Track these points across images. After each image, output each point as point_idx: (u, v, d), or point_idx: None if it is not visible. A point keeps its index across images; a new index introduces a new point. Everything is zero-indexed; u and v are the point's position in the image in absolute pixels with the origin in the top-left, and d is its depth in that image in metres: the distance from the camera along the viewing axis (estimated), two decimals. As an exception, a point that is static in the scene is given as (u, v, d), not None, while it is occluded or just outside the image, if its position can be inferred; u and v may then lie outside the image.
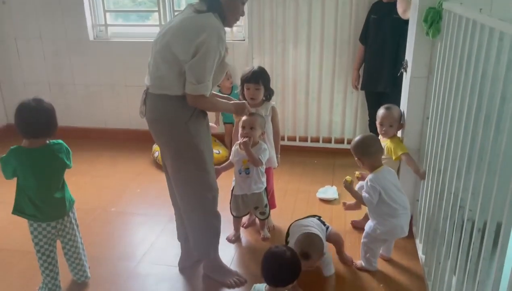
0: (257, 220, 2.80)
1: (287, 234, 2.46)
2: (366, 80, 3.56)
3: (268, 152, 2.58)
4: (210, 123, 2.28)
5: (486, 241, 1.51)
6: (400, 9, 2.99)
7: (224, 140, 4.03)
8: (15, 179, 2.04)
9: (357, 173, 2.53)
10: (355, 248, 2.53)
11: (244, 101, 2.39)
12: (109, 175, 3.69)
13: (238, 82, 2.82)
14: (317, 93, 3.91)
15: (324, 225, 2.46)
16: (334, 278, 2.29)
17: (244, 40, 3.93)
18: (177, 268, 2.48)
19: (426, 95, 2.46)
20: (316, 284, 2.33)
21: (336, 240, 2.47)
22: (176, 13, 4.01)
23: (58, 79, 4.37)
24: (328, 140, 4.02)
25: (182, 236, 2.46)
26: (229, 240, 2.71)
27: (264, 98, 2.67)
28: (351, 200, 3.07)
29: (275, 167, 2.81)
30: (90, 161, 3.90)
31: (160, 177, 3.53)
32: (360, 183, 2.45)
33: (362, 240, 2.43)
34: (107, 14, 4.21)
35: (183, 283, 2.40)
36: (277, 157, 2.78)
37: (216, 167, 2.41)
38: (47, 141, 2.04)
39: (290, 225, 2.47)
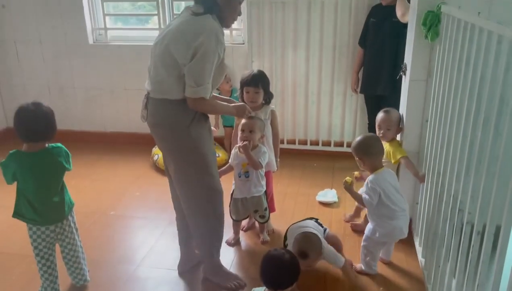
0: (256, 224, 2.79)
1: (285, 237, 2.46)
2: (365, 84, 3.57)
3: (267, 155, 2.58)
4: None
5: (486, 244, 1.51)
6: (399, 12, 3.00)
7: (224, 143, 4.03)
8: (15, 183, 2.04)
9: (356, 172, 2.53)
10: (354, 251, 2.53)
11: (244, 103, 2.38)
12: (108, 178, 3.69)
13: (237, 85, 2.82)
14: (316, 96, 3.91)
15: (322, 227, 2.46)
16: (348, 266, 2.33)
17: (243, 43, 3.94)
18: (177, 271, 2.47)
19: (425, 98, 2.46)
20: (316, 287, 2.33)
21: (334, 243, 2.47)
22: (175, 16, 4.05)
23: (57, 82, 4.37)
24: (328, 144, 4.02)
25: (183, 240, 2.45)
26: (229, 243, 2.70)
27: (263, 102, 2.67)
28: (351, 201, 3.08)
29: (274, 171, 2.81)
30: (90, 164, 3.90)
31: (159, 180, 3.54)
32: (362, 189, 2.43)
33: (362, 243, 2.43)
34: (107, 18, 4.22)
35: (182, 287, 2.39)
36: (276, 161, 2.79)
37: (215, 170, 2.41)
38: (46, 145, 2.04)
39: (288, 228, 2.47)
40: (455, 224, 1.85)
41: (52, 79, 4.37)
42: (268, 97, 2.69)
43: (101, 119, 4.43)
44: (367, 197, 2.27)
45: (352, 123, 3.94)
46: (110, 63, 4.20)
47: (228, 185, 2.69)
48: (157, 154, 3.75)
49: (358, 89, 3.68)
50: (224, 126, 3.99)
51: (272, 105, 2.77)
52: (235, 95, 3.40)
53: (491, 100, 1.51)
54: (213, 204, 2.23)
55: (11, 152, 2.00)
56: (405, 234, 2.34)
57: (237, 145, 2.60)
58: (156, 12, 4.09)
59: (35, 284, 2.26)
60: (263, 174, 2.61)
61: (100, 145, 4.33)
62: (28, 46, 4.30)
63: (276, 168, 2.79)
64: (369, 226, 2.39)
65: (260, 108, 2.66)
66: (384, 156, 2.52)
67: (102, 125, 4.45)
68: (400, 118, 2.62)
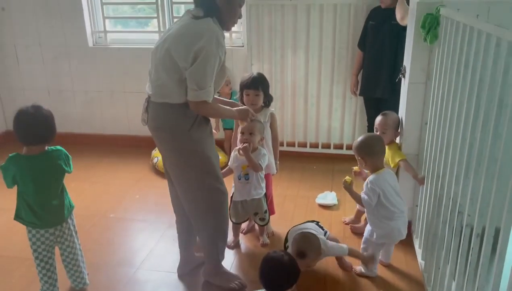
0: (256, 226, 2.79)
1: (286, 239, 2.46)
2: (364, 86, 3.57)
3: (267, 157, 2.58)
4: None
5: (485, 246, 1.51)
6: (398, 15, 3.00)
7: (224, 146, 4.03)
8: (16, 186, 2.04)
9: (355, 167, 2.52)
10: (354, 254, 2.53)
11: (247, 107, 2.38)
12: (108, 181, 3.69)
13: (237, 88, 2.83)
14: (316, 99, 3.92)
15: (322, 229, 2.46)
16: (352, 249, 2.37)
17: (243, 46, 3.94)
18: (176, 274, 2.47)
19: (424, 101, 2.47)
20: (316, 288, 2.33)
21: None
22: (175, 20, 4.06)
23: (57, 85, 4.37)
24: (327, 146, 4.02)
25: (183, 243, 2.45)
26: (228, 246, 2.70)
27: (263, 105, 2.68)
28: (351, 204, 3.09)
29: (274, 173, 2.81)
30: (89, 167, 3.90)
31: (159, 183, 3.54)
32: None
33: (361, 246, 2.43)
34: (106, 21, 4.22)
35: (182, 289, 2.39)
36: (276, 164, 2.79)
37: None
38: (46, 148, 2.04)
39: (289, 230, 2.47)
40: (455, 226, 1.85)
41: (51, 82, 4.37)
42: (268, 100, 2.70)
43: (100, 122, 4.43)
44: (366, 197, 2.27)
45: (352, 126, 3.94)
46: (109, 66, 4.20)
47: (228, 187, 2.69)
48: (157, 156, 3.75)
49: (357, 92, 3.69)
50: (224, 129, 3.99)
51: (272, 108, 2.77)
52: (234, 97, 3.41)
53: (490, 103, 1.51)
54: (218, 205, 2.22)
55: (10, 155, 2.00)
56: (403, 236, 2.34)
57: (237, 147, 2.60)
58: (155, 15, 4.09)
59: (35, 287, 2.26)
60: (263, 176, 2.62)
61: (100, 148, 4.32)
62: (27, 49, 4.30)
63: (275, 171, 2.80)
64: (367, 228, 2.39)
65: (260, 111, 2.66)
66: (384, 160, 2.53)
67: (102, 128, 4.45)
68: (398, 121, 2.63)
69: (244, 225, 2.84)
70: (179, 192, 2.22)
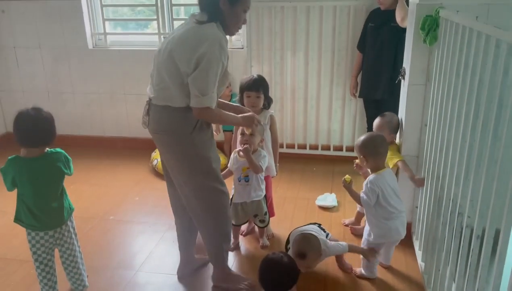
0: (256, 228, 2.79)
1: (287, 241, 2.46)
2: (364, 88, 3.57)
3: (267, 159, 2.58)
4: None
5: (485, 248, 1.51)
6: (398, 17, 3.01)
7: (223, 148, 4.03)
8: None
9: (357, 160, 2.50)
10: (354, 256, 2.52)
11: (253, 113, 2.34)
12: (107, 183, 3.69)
13: (237, 90, 2.83)
14: (315, 100, 3.92)
15: (324, 231, 2.46)
16: (352, 245, 2.38)
17: (242, 48, 3.95)
18: (176, 276, 2.46)
19: (424, 102, 2.47)
20: (316, 289, 2.33)
21: None
22: (175, 22, 4.07)
23: (57, 87, 4.38)
24: (327, 148, 4.02)
25: (183, 245, 2.45)
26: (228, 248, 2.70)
27: (262, 107, 2.68)
28: (350, 205, 3.09)
29: (273, 176, 2.81)
30: (89, 169, 3.90)
31: (159, 185, 3.54)
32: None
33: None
34: (106, 23, 4.23)
35: (182, 292, 2.39)
36: (275, 166, 2.79)
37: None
38: (46, 150, 2.04)
39: (290, 232, 2.46)
40: (455, 228, 1.85)
41: (51, 84, 4.37)
42: (268, 102, 2.70)
43: (100, 124, 4.43)
44: (365, 196, 2.27)
45: (351, 128, 3.94)
46: (109, 68, 4.20)
47: (227, 189, 2.69)
48: (156, 158, 3.75)
49: (357, 94, 3.69)
50: (224, 131, 3.99)
51: (271, 110, 2.77)
52: (234, 100, 3.41)
53: (490, 104, 1.51)
54: (220, 207, 2.22)
55: (10, 157, 2.00)
56: (401, 235, 2.33)
57: (237, 149, 2.60)
58: (155, 17, 4.10)
59: (35, 289, 2.26)
60: (263, 178, 2.62)
61: (99, 150, 4.32)
62: (27, 51, 4.30)
63: (275, 173, 2.80)
64: (366, 228, 2.38)
65: (260, 113, 2.66)
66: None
67: (102, 130, 4.45)
68: (396, 123, 2.63)
69: (244, 227, 2.84)
70: (181, 194, 2.22)
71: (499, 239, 1.40)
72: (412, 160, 2.57)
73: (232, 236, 2.39)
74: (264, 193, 2.63)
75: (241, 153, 2.53)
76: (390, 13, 3.17)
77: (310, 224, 2.51)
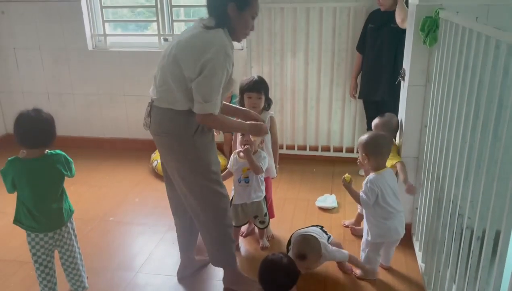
0: (256, 229, 2.79)
1: (289, 242, 2.46)
2: (364, 89, 3.57)
3: (267, 160, 2.58)
4: None
5: (485, 249, 1.51)
6: (398, 18, 3.01)
7: (223, 149, 4.03)
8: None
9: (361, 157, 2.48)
10: (354, 257, 2.52)
11: (261, 123, 2.30)
12: (107, 184, 3.68)
13: (237, 91, 2.83)
14: (315, 101, 3.92)
15: (326, 234, 2.46)
16: (353, 256, 2.38)
17: (242, 49, 3.94)
18: (176, 277, 2.46)
19: (424, 103, 2.47)
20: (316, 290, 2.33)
21: None
22: (175, 23, 4.07)
23: (57, 89, 4.37)
24: (327, 149, 4.02)
25: (183, 246, 2.44)
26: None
27: (263, 108, 2.68)
28: (350, 206, 3.08)
29: (273, 177, 2.81)
30: (89, 170, 3.89)
31: (158, 186, 3.54)
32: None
33: (361, 247, 2.42)
34: (106, 24, 4.23)
35: (181, 293, 2.39)
36: (275, 167, 2.79)
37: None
38: (46, 152, 2.04)
39: (292, 234, 2.46)
40: (455, 229, 1.85)
41: (51, 85, 4.37)
42: (268, 103, 2.70)
43: (100, 125, 4.43)
44: (364, 196, 2.26)
45: (351, 129, 3.94)
46: (109, 69, 4.20)
47: (227, 190, 2.69)
48: (156, 159, 3.75)
49: (357, 95, 3.69)
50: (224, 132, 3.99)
51: (271, 111, 2.77)
52: (234, 101, 3.41)
53: (490, 105, 1.51)
54: (221, 209, 2.21)
55: (9, 158, 2.00)
56: (400, 234, 2.33)
57: (237, 150, 2.60)
58: (155, 19, 4.10)
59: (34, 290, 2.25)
60: (263, 179, 2.62)
61: (99, 151, 4.32)
62: (27, 53, 4.30)
63: (275, 174, 2.79)
64: (365, 227, 2.38)
65: (260, 114, 2.66)
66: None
67: (101, 131, 4.44)
68: (396, 123, 2.63)
69: (244, 228, 2.84)
70: (182, 196, 2.22)
71: (500, 240, 1.40)
72: (412, 161, 2.57)
73: (233, 238, 2.38)
74: (264, 194, 2.63)
75: (241, 154, 2.53)
76: (390, 14, 3.17)
77: (313, 226, 2.51)
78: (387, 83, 3.29)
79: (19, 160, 2.00)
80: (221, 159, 3.82)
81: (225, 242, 2.26)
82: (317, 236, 2.30)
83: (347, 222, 2.93)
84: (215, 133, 2.34)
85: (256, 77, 2.66)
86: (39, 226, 2.03)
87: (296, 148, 4.05)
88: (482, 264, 1.53)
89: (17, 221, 2.05)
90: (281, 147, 3.94)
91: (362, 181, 2.34)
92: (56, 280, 2.17)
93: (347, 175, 2.35)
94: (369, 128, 3.63)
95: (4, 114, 4.57)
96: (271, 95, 2.80)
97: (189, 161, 2.09)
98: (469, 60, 1.73)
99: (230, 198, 2.63)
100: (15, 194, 2.03)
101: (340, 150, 3.99)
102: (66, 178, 2.10)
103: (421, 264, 2.46)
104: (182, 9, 4.25)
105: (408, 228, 2.66)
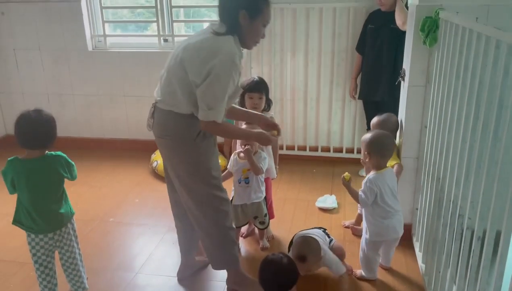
0: (256, 230, 2.79)
1: (291, 242, 2.45)
2: (364, 90, 3.57)
3: (267, 161, 2.58)
4: None
5: (486, 249, 1.51)
6: (399, 21, 3.01)
7: (223, 149, 4.03)
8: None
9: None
10: (355, 257, 2.52)
11: (269, 132, 2.26)
12: (107, 185, 3.68)
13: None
14: (315, 102, 3.92)
15: (329, 237, 2.45)
16: (347, 277, 2.31)
17: (242, 50, 3.94)
18: (176, 278, 2.46)
19: (424, 103, 2.47)
20: (316, 293, 2.33)
21: (338, 254, 2.46)
22: (174, 24, 4.07)
23: (56, 89, 4.37)
24: (327, 149, 4.02)
25: (184, 248, 2.44)
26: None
27: (263, 109, 2.68)
28: (350, 206, 3.08)
29: (273, 178, 2.81)
30: (89, 171, 3.89)
31: (158, 187, 3.54)
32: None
33: (360, 250, 2.42)
34: (106, 25, 4.23)
35: (182, 294, 2.38)
36: (275, 168, 2.79)
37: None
38: (46, 153, 2.03)
39: (294, 235, 2.45)
40: (455, 230, 1.84)
41: (51, 86, 4.37)
42: (268, 103, 2.71)
43: (100, 126, 4.43)
44: (363, 195, 2.26)
45: (351, 129, 3.94)
46: (109, 69, 4.20)
47: (227, 191, 2.69)
48: (156, 160, 3.74)
49: (356, 96, 3.69)
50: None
51: (271, 111, 2.77)
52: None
53: (490, 105, 1.51)
54: (221, 213, 2.20)
55: (9, 158, 2.00)
56: (398, 233, 2.32)
57: (237, 151, 2.60)
58: (155, 19, 4.09)
59: (34, 291, 2.25)
60: (263, 180, 2.61)
61: (99, 152, 4.32)
62: (27, 53, 4.30)
63: (275, 175, 2.80)
64: (364, 226, 2.37)
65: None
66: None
67: (101, 132, 4.44)
68: (394, 122, 2.63)
69: (244, 229, 2.83)
70: (182, 199, 2.21)
71: (500, 240, 1.40)
72: (412, 162, 2.57)
73: (235, 240, 2.37)
74: (264, 194, 2.62)
75: (241, 155, 2.53)
76: (390, 14, 3.17)
77: (315, 228, 2.50)
78: (387, 84, 3.29)
79: (19, 160, 1.99)
80: (221, 159, 3.82)
81: (225, 245, 2.26)
82: (318, 239, 2.29)
83: (347, 223, 2.93)
84: None
85: (256, 77, 2.67)
86: (38, 227, 2.03)
87: (296, 148, 4.05)
88: (483, 265, 1.53)
89: (16, 221, 2.05)
90: (281, 147, 3.94)
91: (362, 181, 2.34)
92: (56, 281, 2.17)
93: (346, 173, 2.35)
94: (369, 128, 3.63)
95: (4, 115, 4.57)
96: (271, 95, 2.80)
97: (190, 164, 2.09)
98: (469, 61, 1.73)
99: (230, 199, 2.63)
100: (16, 194, 2.03)
101: (340, 151, 3.99)
102: (67, 180, 2.09)
103: (421, 264, 2.46)
104: (182, 9, 4.25)
105: (408, 228, 2.67)
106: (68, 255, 2.16)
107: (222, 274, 2.40)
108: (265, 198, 2.65)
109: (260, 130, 2.25)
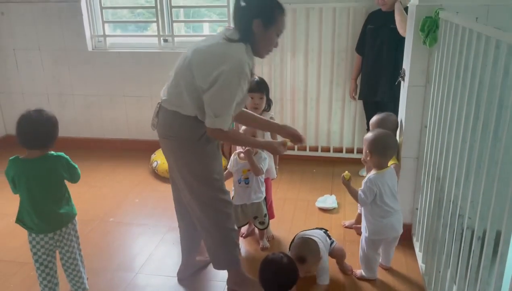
0: (256, 230, 2.79)
1: (292, 242, 2.45)
2: (364, 90, 3.57)
3: (267, 161, 2.58)
4: None
5: (486, 249, 1.51)
6: (401, 30, 3.00)
7: (223, 149, 4.02)
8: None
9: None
10: (355, 257, 2.52)
11: (280, 141, 2.26)
12: (107, 185, 3.68)
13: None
14: (315, 102, 3.92)
15: (330, 238, 2.45)
16: (326, 289, 2.28)
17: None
18: (176, 278, 2.46)
19: (424, 103, 2.47)
20: (316, 294, 2.33)
21: (339, 255, 2.46)
22: (174, 24, 4.07)
23: (56, 89, 4.37)
24: (327, 149, 4.02)
25: (186, 248, 2.44)
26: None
27: (263, 109, 2.69)
28: (350, 206, 3.08)
29: (273, 178, 2.81)
30: (89, 171, 3.89)
31: (159, 187, 3.54)
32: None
33: (360, 249, 2.42)
34: (106, 25, 4.23)
35: (182, 294, 2.38)
36: (275, 168, 2.79)
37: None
38: (47, 153, 2.03)
39: (295, 235, 2.45)
40: (455, 229, 1.84)
41: (51, 86, 4.37)
42: (268, 103, 2.71)
43: (100, 126, 4.43)
44: (362, 195, 2.26)
45: (351, 129, 3.94)
46: (109, 70, 4.20)
47: (230, 198, 2.68)
48: (156, 160, 3.74)
49: (356, 96, 3.69)
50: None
51: (272, 112, 2.77)
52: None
53: (490, 105, 1.51)
54: (225, 214, 2.20)
55: (10, 158, 2.00)
56: (398, 231, 2.32)
57: (237, 151, 2.60)
58: (155, 19, 4.09)
59: (34, 292, 2.25)
60: (263, 180, 2.61)
61: (99, 152, 4.32)
62: (27, 54, 4.30)
63: (275, 175, 2.80)
64: (363, 224, 2.37)
65: (260, 115, 2.66)
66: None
67: (101, 132, 4.44)
68: (393, 121, 2.63)
69: (244, 229, 2.83)
70: (185, 201, 2.21)
71: (500, 240, 1.40)
72: (412, 162, 2.57)
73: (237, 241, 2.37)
74: (264, 195, 2.62)
75: (242, 155, 2.53)
76: (389, 14, 3.17)
77: (317, 229, 2.49)
78: (387, 84, 3.29)
79: (19, 159, 1.99)
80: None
81: (227, 246, 2.25)
82: (318, 241, 2.29)
83: (347, 223, 2.93)
84: None
85: (256, 78, 2.67)
86: (38, 227, 2.02)
87: (296, 148, 4.04)
88: (483, 265, 1.53)
89: (19, 220, 2.04)
90: (281, 148, 3.93)
91: (362, 180, 2.34)
92: (57, 281, 2.16)
93: (346, 172, 2.35)
94: (369, 129, 3.63)
95: (4, 115, 4.56)
96: (271, 95, 2.80)
97: (193, 166, 2.08)
98: (469, 61, 1.73)
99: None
100: (14, 196, 2.03)
101: (340, 151, 3.99)
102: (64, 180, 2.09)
103: (421, 264, 2.46)
104: (181, 9, 4.25)
105: (409, 228, 2.67)
106: (68, 256, 2.16)
107: (222, 274, 2.40)
108: (265, 198, 2.65)
109: (269, 139, 2.24)
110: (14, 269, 2.56)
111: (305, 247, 2.23)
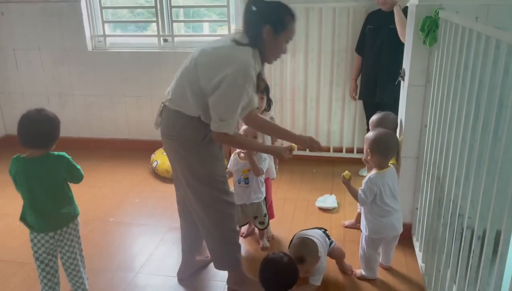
0: (256, 230, 2.79)
1: (291, 242, 2.45)
2: (363, 90, 3.57)
3: (267, 162, 2.58)
4: None
5: (486, 249, 1.51)
6: (402, 36, 2.99)
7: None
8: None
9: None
10: (355, 257, 2.52)
11: (286, 147, 2.29)
12: (107, 185, 3.68)
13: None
14: (315, 102, 3.92)
15: (329, 238, 2.44)
16: (316, 290, 2.29)
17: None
18: (176, 278, 2.46)
19: (424, 103, 2.47)
20: (316, 294, 2.33)
21: (339, 255, 2.46)
22: (174, 24, 4.07)
23: (56, 89, 4.37)
24: (327, 149, 4.02)
25: (187, 248, 2.44)
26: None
27: (264, 109, 2.68)
28: (350, 206, 3.08)
29: (273, 178, 2.81)
30: (89, 171, 3.87)
31: (158, 187, 3.54)
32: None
33: (360, 248, 2.42)
34: (106, 25, 4.23)
35: (182, 294, 2.38)
36: (275, 168, 2.79)
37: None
38: (49, 153, 2.03)
39: (295, 235, 2.45)
40: (455, 229, 1.84)
41: (51, 86, 4.37)
42: (269, 103, 2.71)
43: (100, 126, 4.43)
44: (362, 195, 2.26)
45: (351, 129, 3.94)
46: (109, 70, 4.20)
47: (233, 199, 2.68)
48: (156, 160, 3.74)
49: (356, 97, 3.69)
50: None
51: (272, 112, 2.77)
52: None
53: (490, 105, 1.51)
54: (226, 216, 2.20)
55: (13, 157, 2.00)
56: (397, 230, 2.32)
57: (237, 151, 2.60)
58: (154, 19, 4.09)
59: (34, 291, 2.25)
60: (263, 180, 2.61)
61: (99, 152, 4.32)
62: (27, 54, 4.30)
63: (275, 175, 2.80)
64: (363, 223, 2.37)
65: (260, 115, 2.66)
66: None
67: (101, 132, 4.44)
68: (393, 121, 2.63)
69: (244, 229, 2.84)
70: (188, 201, 2.21)
71: (500, 240, 1.40)
72: (412, 161, 2.57)
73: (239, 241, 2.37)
74: (264, 195, 2.62)
75: (242, 155, 2.53)
76: (389, 14, 3.17)
77: (316, 228, 2.49)
78: (387, 84, 3.29)
79: (21, 158, 2.00)
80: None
81: (228, 247, 2.26)
82: (316, 241, 2.29)
83: (347, 222, 2.93)
84: None
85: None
86: (38, 226, 2.03)
87: (296, 148, 4.03)
88: (483, 264, 1.53)
89: (22, 218, 2.04)
90: (281, 147, 3.93)
91: (362, 180, 2.34)
92: (57, 280, 2.16)
93: (346, 172, 2.35)
94: (369, 129, 3.63)
95: (4, 115, 4.54)
96: (271, 95, 2.80)
97: (196, 167, 2.08)
98: (469, 60, 1.73)
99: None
100: (14, 196, 2.03)
101: (340, 150, 3.99)
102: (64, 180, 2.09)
103: (421, 264, 2.46)
104: (181, 9, 4.25)
105: (408, 228, 2.67)
106: (68, 255, 2.16)
107: (222, 274, 2.40)
108: (265, 198, 2.65)
109: (275, 145, 2.24)
110: (14, 269, 2.56)
111: (304, 247, 2.23)
